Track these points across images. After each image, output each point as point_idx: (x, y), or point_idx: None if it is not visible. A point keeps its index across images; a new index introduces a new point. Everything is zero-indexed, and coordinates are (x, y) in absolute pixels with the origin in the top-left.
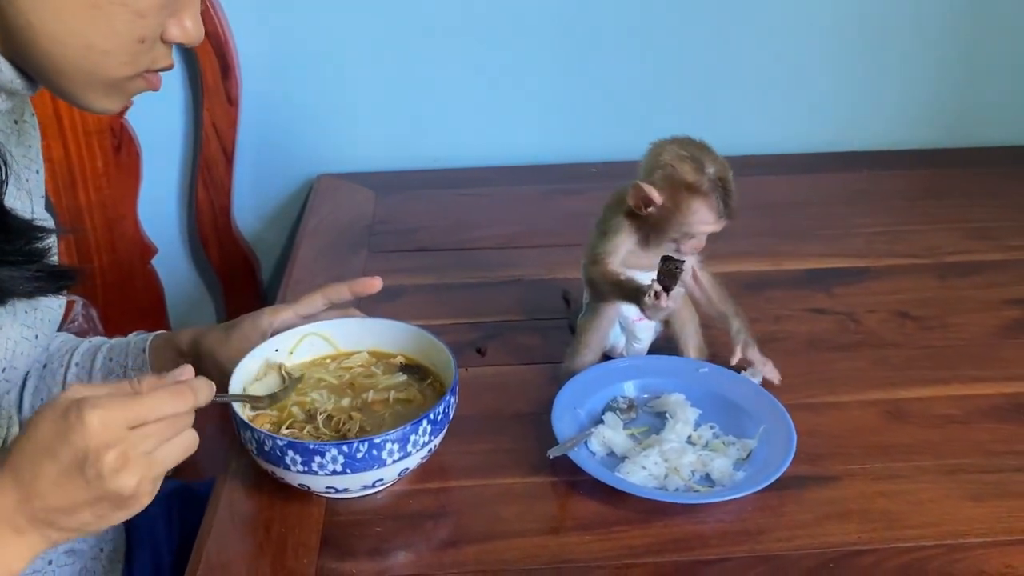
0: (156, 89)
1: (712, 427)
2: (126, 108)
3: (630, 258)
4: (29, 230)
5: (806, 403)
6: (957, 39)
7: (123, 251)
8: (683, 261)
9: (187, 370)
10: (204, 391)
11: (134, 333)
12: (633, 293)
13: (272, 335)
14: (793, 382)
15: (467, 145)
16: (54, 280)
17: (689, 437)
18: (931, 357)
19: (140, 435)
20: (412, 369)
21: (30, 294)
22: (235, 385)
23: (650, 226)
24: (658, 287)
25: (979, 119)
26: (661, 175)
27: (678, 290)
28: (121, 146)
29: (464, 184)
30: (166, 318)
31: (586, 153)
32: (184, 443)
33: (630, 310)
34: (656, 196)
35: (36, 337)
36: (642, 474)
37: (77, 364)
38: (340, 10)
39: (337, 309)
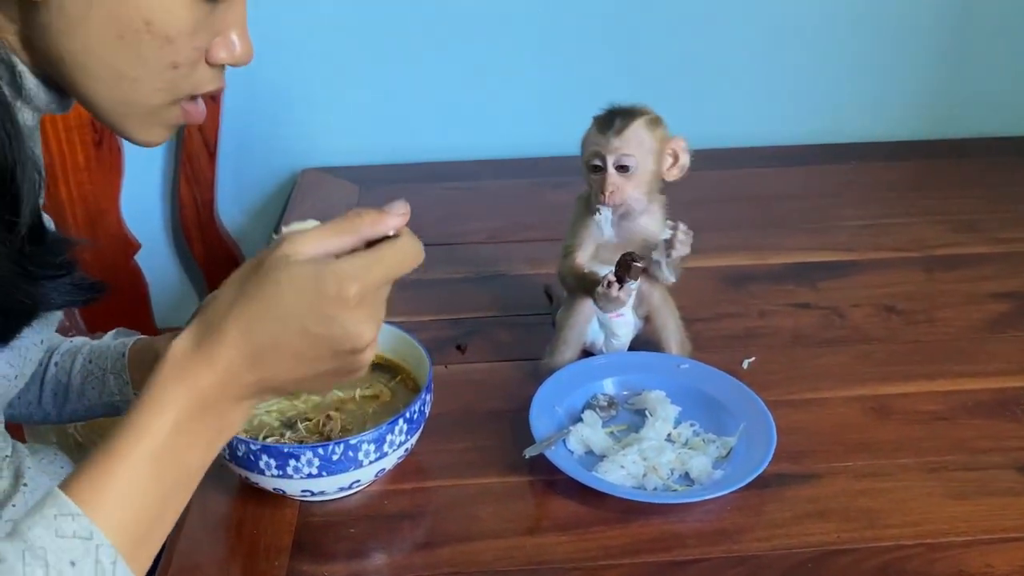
0: (197, 122)
1: (692, 425)
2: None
3: (603, 253)
4: (62, 242)
5: (788, 399)
6: (943, 29)
7: (106, 246)
8: (642, 258)
9: (405, 205)
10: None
11: (113, 332)
12: (591, 285)
13: None
14: (776, 378)
15: (452, 138)
16: (85, 292)
17: (669, 435)
18: (916, 352)
19: (382, 299)
20: (381, 367)
21: (60, 307)
22: None
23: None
24: (612, 277)
25: (965, 110)
26: None
27: (631, 284)
28: (102, 140)
29: (449, 178)
30: (150, 314)
31: (572, 146)
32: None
33: None
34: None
35: (41, 342)
36: (620, 473)
37: (56, 364)
38: (324, 3)
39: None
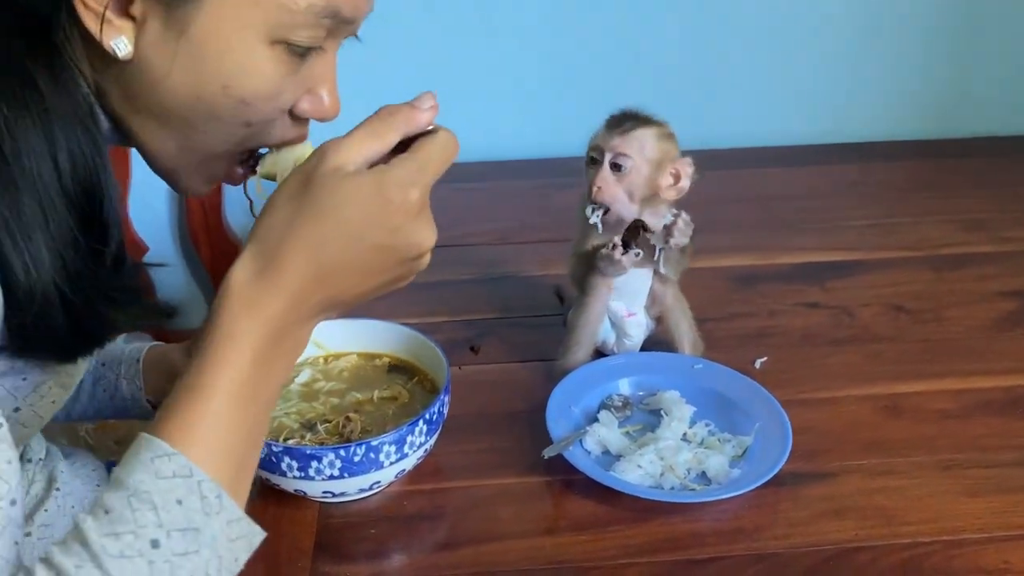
0: (237, 183)
1: (707, 424)
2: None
3: None
4: (136, 267)
5: (801, 399)
6: (948, 28)
7: None
8: (651, 230)
9: (429, 97)
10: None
11: (123, 336)
12: (595, 254)
13: None
14: (788, 377)
15: (465, 139)
16: (155, 316)
17: (684, 435)
18: (926, 351)
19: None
20: (399, 369)
21: (132, 330)
22: None
23: None
24: (617, 240)
25: (970, 109)
26: None
27: (635, 252)
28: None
29: (456, 179)
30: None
31: (581, 146)
32: None
33: (618, 306)
34: None
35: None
36: (637, 473)
37: None
38: None
39: None
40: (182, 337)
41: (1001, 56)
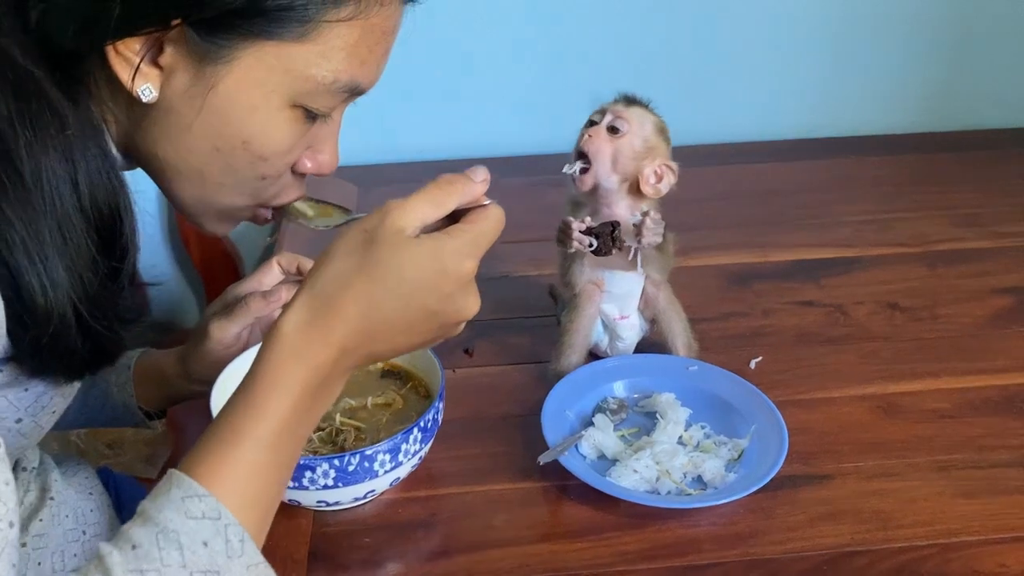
0: (262, 223)
1: (703, 427)
2: None
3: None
4: (138, 286)
5: (796, 399)
6: (945, 19)
7: None
8: (622, 241)
9: (483, 171)
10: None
11: None
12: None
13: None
14: (783, 378)
15: (452, 136)
16: (156, 333)
17: (680, 437)
18: (921, 350)
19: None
20: (393, 375)
21: (136, 347)
22: (217, 404)
23: None
24: (584, 225)
25: (967, 101)
26: None
27: (591, 241)
28: None
29: None
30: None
31: (572, 143)
32: None
33: (611, 308)
34: None
35: None
36: (633, 477)
37: None
38: None
39: (295, 280)
40: (174, 342)
41: (997, 48)
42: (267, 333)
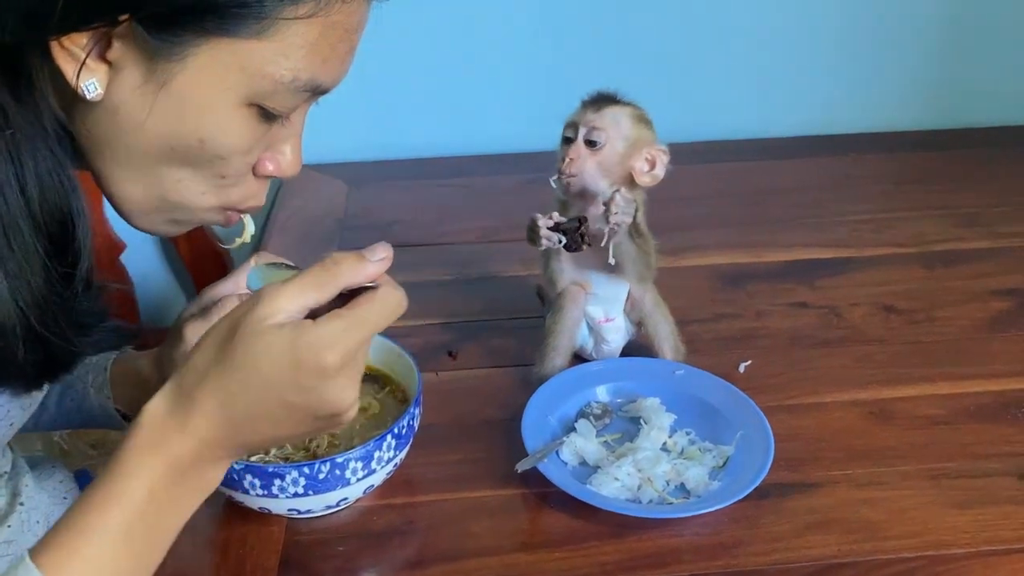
0: (230, 225)
1: (688, 433)
2: None
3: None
4: (98, 288)
5: (786, 404)
6: (943, 16)
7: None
8: (590, 238)
9: (386, 249)
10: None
11: None
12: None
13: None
14: (773, 382)
15: (443, 134)
16: (121, 339)
17: (664, 444)
18: (916, 354)
19: (364, 356)
20: (371, 379)
21: (97, 352)
22: None
23: None
24: (552, 221)
25: (967, 99)
26: None
27: (558, 237)
28: None
29: (442, 175)
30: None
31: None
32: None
33: (595, 311)
34: None
35: None
36: (614, 485)
37: None
38: None
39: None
40: (153, 342)
41: (999, 44)
42: (134, 418)
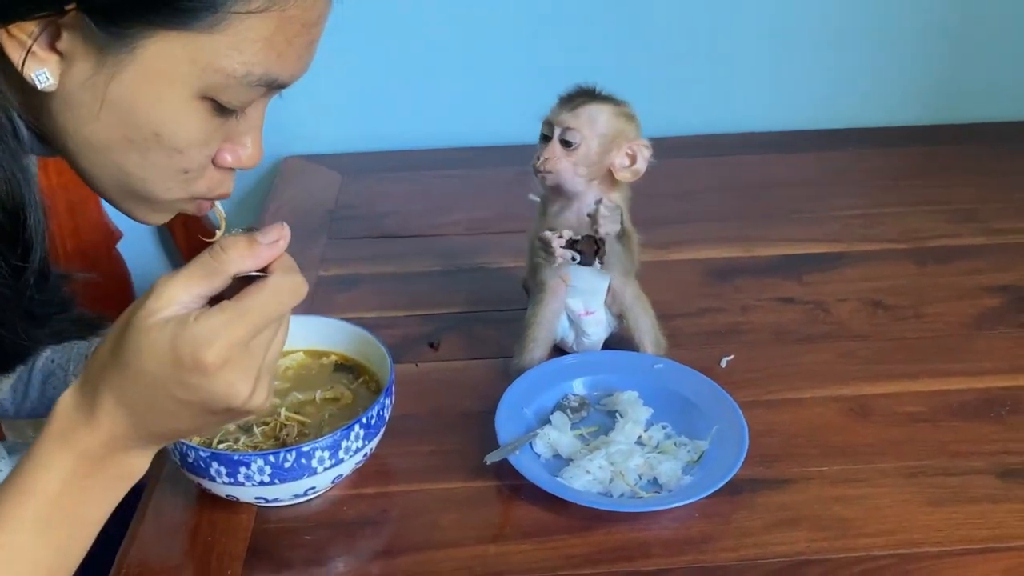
0: (201, 214)
1: (664, 427)
2: None
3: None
4: (61, 278)
5: (765, 400)
6: (943, 11)
7: (87, 236)
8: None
9: (280, 230)
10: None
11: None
12: (537, 238)
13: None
14: (754, 377)
15: (437, 126)
16: (85, 329)
17: (639, 438)
18: (901, 350)
19: (260, 346)
20: (345, 368)
21: (60, 343)
22: None
23: None
24: (567, 239)
25: (965, 94)
26: None
27: (573, 254)
28: None
29: (436, 166)
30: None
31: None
32: (285, 333)
33: (575, 303)
34: None
35: None
36: (586, 479)
37: None
38: None
39: None
40: None
41: (996, 40)
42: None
